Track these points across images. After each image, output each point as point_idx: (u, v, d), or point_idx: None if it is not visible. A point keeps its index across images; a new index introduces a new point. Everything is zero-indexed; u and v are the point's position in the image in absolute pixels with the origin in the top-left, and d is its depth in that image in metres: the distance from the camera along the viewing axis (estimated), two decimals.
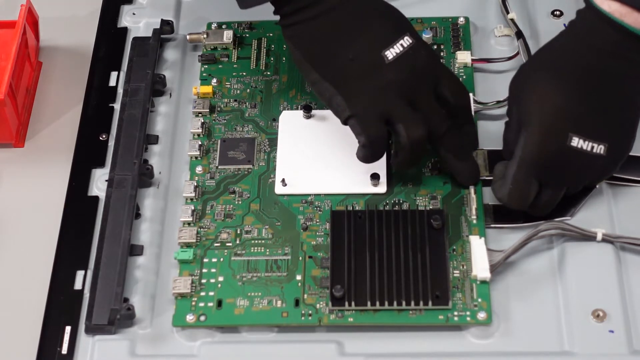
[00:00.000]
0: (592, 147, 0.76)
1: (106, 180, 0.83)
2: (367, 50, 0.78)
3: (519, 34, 0.90)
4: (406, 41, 0.79)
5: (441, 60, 0.82)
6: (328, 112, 0.86)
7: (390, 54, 0.78)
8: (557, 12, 0.92)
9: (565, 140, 0.76)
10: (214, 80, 0.90)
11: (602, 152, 0.76)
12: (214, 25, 0.93)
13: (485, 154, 0.83)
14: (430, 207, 0.81)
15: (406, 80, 0.78)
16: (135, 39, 0.92)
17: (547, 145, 0.76)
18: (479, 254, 0.77)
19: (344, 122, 0.79)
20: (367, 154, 0.79)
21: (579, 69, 0.76)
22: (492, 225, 0.80)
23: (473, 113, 0.84)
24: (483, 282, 0.77)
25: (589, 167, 0.77)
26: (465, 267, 0.78)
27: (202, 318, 0.76)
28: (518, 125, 0.78)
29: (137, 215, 0.82)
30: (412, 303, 0.76)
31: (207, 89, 0.88)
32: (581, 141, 0.76)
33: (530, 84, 0.78)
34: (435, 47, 0.90)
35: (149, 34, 0.92)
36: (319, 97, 0.81)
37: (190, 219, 0.81)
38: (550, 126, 0.76)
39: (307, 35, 0.80)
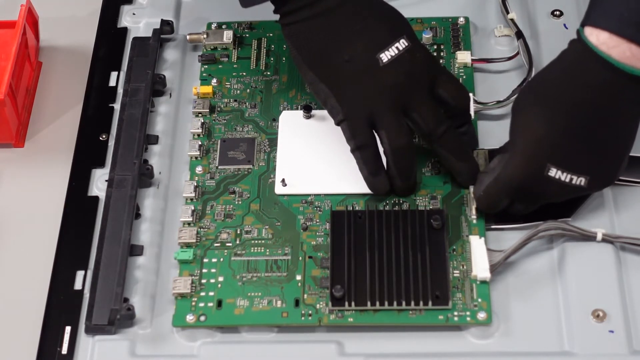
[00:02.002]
0: (572, 179, 0.76)
1: (106, 180, 0.83)
2: (362, 52, 0.78)
3: (519, 34, 0.90)
4: (402, 44, 0.79)
5: (440, 62, 0.82)
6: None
7: (385, 56, 0.78)
8: (557, 12, 0.92)
9: (542, 170, 0.76)
10: (214, 80, 0.90)
11: (582, 183, 0.76)
12: (214, 25, 0.93)
13: (486, 153, 0.83)
14: (430, 207, 0.81)
15: (400, 83, 0.78)
16: (135, 39, 0.92)
17: (523, 172, 0.76)
18: (479, 254, 0.77)
19: (337, 125, 0.79)
20: (360, 164, 0.79)
21: (566, 101, 0.75)
22: (494, 227, 0.80)
23: (473, 113, 0.84)
24: (483, 282, 0.77)
25: (566, 194, 0.78)
26: (465, 267, 0.78)
27: (202, 318, 0.76)
28: (508, 147, 0.79)
29: (137, 215, 0.82)
30: (412, 303, 0.76)
31: (207, 89, 0.88)
32: (559, 172, 0.76)
33: (520, 108, 0.78)
34: (435, 47, 0.90)
35: (149, 34, 0.92)
36: (315, 97, 0.81)
37: (190, 219, 0.81)
38: (529, 155, 0.76)
39: (304, 35, 0.80)
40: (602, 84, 0.74)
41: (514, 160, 0.77)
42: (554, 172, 0.76)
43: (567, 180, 0.76)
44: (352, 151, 0.79)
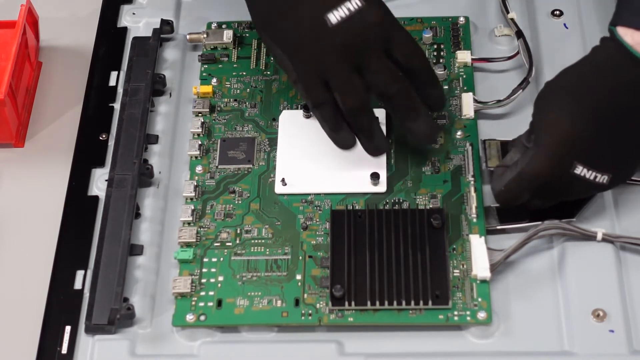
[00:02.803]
0: (596, 177, 0.76)
1: (106, 180, 0.83)
2: (310, 13, 0.78)
3: (519, 34, 0.90)
4: (354, 4, 0.77)
5: (397, 22, 0.80)
6: None
7: (334, 17, 0.77)
8: (557, 12, 0.92)
9: (569, 168, 0.75)
10: (214, 80, 0.90)
11: (605, 181, 0.76)
12: (214, 25, 0.93)
13: (498, 145, 0.83)
14: (430, 206, 0.81)
15: (350, 43, 0.77)
16: (135, 38, 0.92)
17: (549, 169, 0.76)
18: (479, 253, 0.77)
19: (294, 86, 0.80)
20: (321, 121, 0.79)
21: (598, 99, 0.75)
22: (498, 227, 0.80)
23: (472, 112, 0.84)
24: (483, 281, 0.77)
25: (587, 191, 0.78)
26: (465, 266, 0.78)
27: (202, 318, 0.76)
28: (531, 140, 0.78)
29: (137, 215, 0.82)
30: (412, 303, 0.76)
31: (207, 88, 0.88)
32: (585, 170, 0.75)
33: (547, 103, 0.77)
34: (435, 46, 0.90)
35: (149, 33, 0.92)
36: (275, 62, 0.80)
37: (190, 219, 0.81)
38: (556, 151, 0.75)
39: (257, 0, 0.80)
40: (635, 84, 0.74)
41: (539, 156, 0.76)
42: (579, 170, 0.75)
43: (592, 178, 0.75)
44: (311, 110, 0.80)
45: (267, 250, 0.80)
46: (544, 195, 0.78)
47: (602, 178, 0.76)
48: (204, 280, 0.78)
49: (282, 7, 0.79)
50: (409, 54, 0.79)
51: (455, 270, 0.78)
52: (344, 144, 0.80)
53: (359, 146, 0.83)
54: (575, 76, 0.77)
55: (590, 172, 0.75)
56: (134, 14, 0.95)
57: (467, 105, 0.86)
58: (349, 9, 0.77)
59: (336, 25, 0.77)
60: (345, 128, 0.80)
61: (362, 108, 0.79)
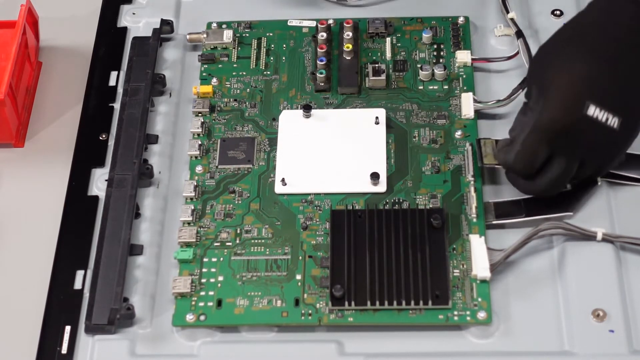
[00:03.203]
0: (607, 119, 0.76)
1: (106, 180, 0.83)
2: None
3: (519, 34, 0.90)
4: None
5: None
6: (328, 112, 0.86)
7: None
8: (557, 12, 0.92)
9: (581, 109, 0.76)
10: (214, 79, 0.90)
11: (615, 125, 0.76)
12: (214, 25, 0.93)
13: (493, 143, 0.83)
14: (430, 206, 0.81)
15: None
16: (135, 38, 0.92)
17: (564, 111, 0.76)
18: (479, 253, 0.77)
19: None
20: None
21: (603, 41, 0.76)
22: (494, 222, 0.80)
23: (473, 112, 0.84)
24: (483, 281, 0.77)
25: (601, 138, 0.77)
26: (465, 266, 0.78)
27: (202, 318, 0.76)
28: (537, 100, 0.78)
29: (137, 215, 0.82)
30: (412, 303, 0.76)
31: (207, 88, 0.88)
32: (597, 110, 0.76)
33: (553, 54, 0.78)
34: (435, 46, 0.90)
35: (149, 33, 0.92)
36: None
37: (190, 219, 0.81)
38: (569, 93, 0.76)
39: None
40: (632, 20, 0.76)
41: (552, 103, 0.76)
42: (592, 110, 0.76)
43: (604, 119, 0.76)
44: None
45: (267, 250, 0.80)
46: (561, 146, 0.77)
47: (612, 120, 0.76)
48: (204, 280, 0.78)
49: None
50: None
51: (455, 270, 0.78)
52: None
53: (359, 146, 0.83)
54: (577, 25, 0.78)
55: (602, 112, 0.76)
56: (134, 14, 0.95)
57: (467, 105, 0.86)
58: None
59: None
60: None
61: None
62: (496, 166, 0.82)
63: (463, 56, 0.89)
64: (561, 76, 0.76)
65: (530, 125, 0.77)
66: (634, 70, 0.76)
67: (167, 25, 0.92)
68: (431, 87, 0.88)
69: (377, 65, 0.89)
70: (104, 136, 0.87)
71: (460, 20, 0.92)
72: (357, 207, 0.81)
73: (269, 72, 0.90)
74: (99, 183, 0.84)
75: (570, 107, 0.76)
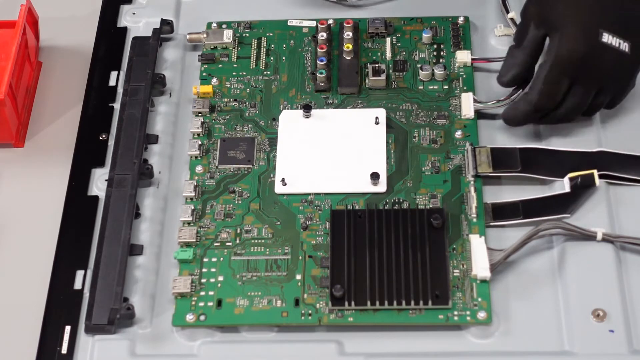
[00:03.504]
0: (619, 44, 0.81)
1: (106, 180, 0.83)
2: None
3: None
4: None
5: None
6: (328, 112, 0.86)
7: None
8: None
9: (597, 37, 0.80)
10: (214, 79, 0.90)
11: (626, 49, 0.81)
12: (214, 25, 0.93)
13: (489, 151, 0.83)
14: (430, 206, 0.81)
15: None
16: (135, 38, 0.92)
17: (582, 40, 0.80)
18: (479, 253, 0.77)
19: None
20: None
21: None
22: (492, 224, 0.80)
23: (473, 112, 0.85)
24: (483, 281, 0.77)
25: (616, 63, 0.81)
26: (465, 266, 0.78)
27: (202, 318, 0.76)
28: (536, 40, 0.82)
29: (137, 214, 0.82)
30: (412, 302, 0.76)
31: (207, 88, 0.88)
32: (610, 37, 0.81)
33: None
34: (435, 46, 0.90)
35: (149, 33, 0.92)
36: None
37: (190, 219, 0.81)
38: (584, 23, 0.81)
39: None
40: None
41: (569, 35, 0.80)
42: (606, 38, 0.80)
43: (617, 44, 0.81)
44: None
45: (267, 250, 0.80)
46: (582, 76, 0.81)
47: (624, 45, 0.81)
48: (204, 280, 0.78)
49: None
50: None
51: (455, 270, 0.78)
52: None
53: (359, 146, 0.83)
54: None
55: (615, 38, 0.81)
56: (134, 14, 0.95)
57: (467, 105, 0.86)
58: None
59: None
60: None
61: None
62: (491, 174, 0.82)
63: (463, 56, 0.89)
64: (572, 11, 0.81)
65: (550, 61, 0.81)
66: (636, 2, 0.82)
67: (167, 25, 0.92)
68: (431, 87, 0.88)
69: (377, 65, 0.89)
70: (104, 136, 0.87)
71: (460, 20, 0.92)
72: (357, 207, 0.81)
73: (269, 72, 0.90)
74: (99, 183, 0.84)
75: (586, 37, 0.80)
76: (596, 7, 0.81)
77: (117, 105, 0.89)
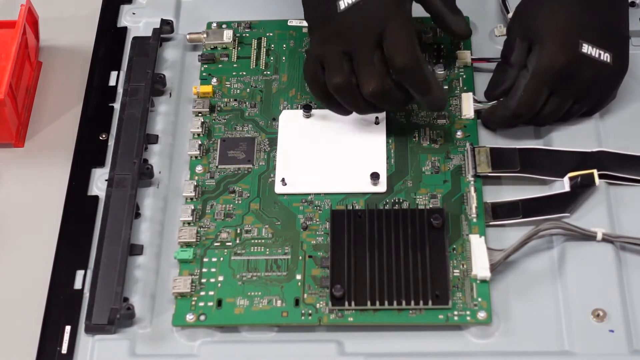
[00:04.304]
0: (600, 54, 0.81)
1: (106, 180, 0.83)
2: None
3: None
4: None
5: (400, 17, 0.80)
6: (328, 112, 0.86)
7: (343, 3, 0.80)
8: None
9: (577, 48, 0.81)
10: (214, 79, 0.90)
11: (608, 60, 0.82)
12: (214, 25, 0.93)
13: (488, 151, 0.83)
14: (430, 206, 0.81)
15: (347, 31, 0.80)
16: (135, 38, 0.92)
17: (562, 52, 0.81)
18: (479, 253, 0.77)
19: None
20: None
21: None
22: (492, 223, 0.80)
23: (472, 112, 0.84)
24: (483, 281, 0.77)
25: (596, 73, 0.82)
26: (465, 266, 0.78)
27: (202, 318, 0.76)
28: (522, 55, 0.83)
29: (137, 214, 0.82)
30: (412, 302, 0.76)
31: (207, 88, 0.88)
32: (590, 47, 0.81)
33: (540, 4, 0.83)
34: (435, 46, 0.90)
35: (149, 33, 0.92)
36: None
37: (190, 219, 0.81)
38: (564, 35, 0.81)
39: None
40: None
41: (549, 47, 0.81)
42: (586, 49, 0.81)
43: (597, 55, 0.81)
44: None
45: (267, 250, 0.80)
46: (561, 87, 0.81)
47: (605, 55, 0.82)
48: (204, 280, 0.78)
49: None
50: (395, 53, 0.79)
51: (455, 270, 0.78)
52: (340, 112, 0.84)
53: (359, 146, 0.83)
54: None
55: (594, 49, 0.81)
56: (134, 14, 0.95)
57: (467, 105, 0.86)
58: None
59: (343, 11, 0.80)
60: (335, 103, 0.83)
61: (343, 87, 0.80)
62: (490, 174, 0.82)
63: (463, 56, 0.89)
64: (551, 23, 0.82)
65: (531, 71, 0.81)
66: (615, 14, 0.83)
67: (167, 25, 0.92)
68: None
69: None
70: (104, 136, 0.87)
71: None
72: (357, 207, 0.81)
73: (269, 72, 0.90)
74: (99, 183, 0.84)
75: (566, 48, 0.81)
76: (576, 19, 0.82)
77: (117, 105, 0.89)
